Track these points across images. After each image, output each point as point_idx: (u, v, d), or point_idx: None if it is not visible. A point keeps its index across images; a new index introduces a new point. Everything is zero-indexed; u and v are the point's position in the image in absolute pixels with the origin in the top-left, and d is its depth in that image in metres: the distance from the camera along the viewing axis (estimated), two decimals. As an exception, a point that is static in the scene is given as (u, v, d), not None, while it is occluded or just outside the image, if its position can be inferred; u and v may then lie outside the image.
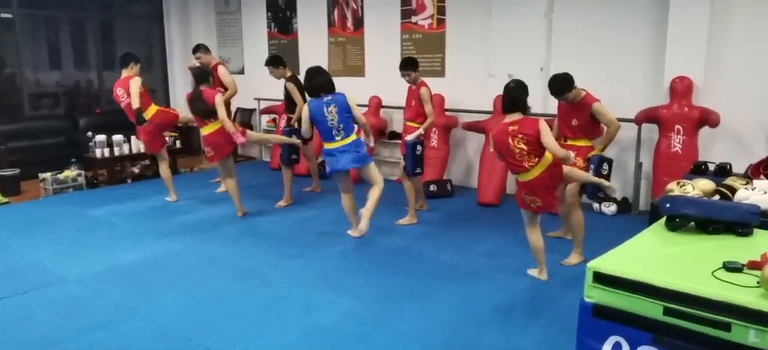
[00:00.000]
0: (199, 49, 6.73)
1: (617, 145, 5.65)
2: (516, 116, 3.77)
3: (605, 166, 4.33)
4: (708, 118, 5.09)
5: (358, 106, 5.13)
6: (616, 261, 2.17)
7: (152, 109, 6.13)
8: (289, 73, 6.36)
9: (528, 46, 6.47)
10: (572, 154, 3.96)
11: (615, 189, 4.37)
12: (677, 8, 5.29)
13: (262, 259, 4.68)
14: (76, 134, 8.33)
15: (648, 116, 5.39)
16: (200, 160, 8.83)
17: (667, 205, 2.50)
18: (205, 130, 5.51)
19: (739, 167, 3.98)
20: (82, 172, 7.15)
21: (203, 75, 5.60)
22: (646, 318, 2.00)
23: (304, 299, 3.90)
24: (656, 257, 2.25)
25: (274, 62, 6.33)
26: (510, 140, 3.75)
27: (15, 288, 4.09)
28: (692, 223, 2.50)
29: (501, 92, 6.44)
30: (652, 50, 5.68)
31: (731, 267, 2.03)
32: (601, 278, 2.09)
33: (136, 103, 5.88)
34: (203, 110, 5.44)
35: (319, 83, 4.92)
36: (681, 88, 5.22)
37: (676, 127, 5.20)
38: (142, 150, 7.21)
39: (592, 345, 2.12)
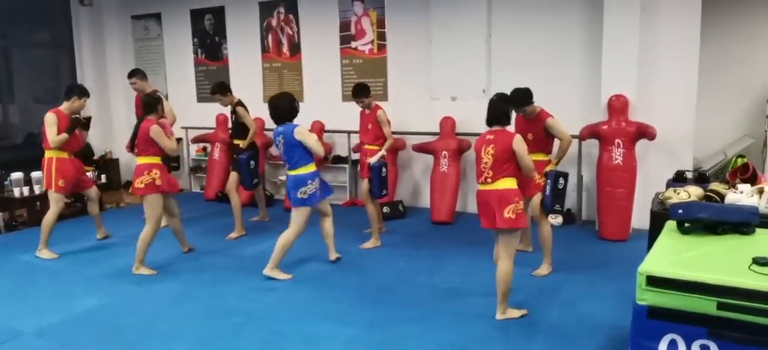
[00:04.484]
0: (135, 74, 6.27)
1: (560, 160, 6.02)
2: (496, 127, 3.85)
3: (561, 181, 4.62)
4: (646, 132, 5.57)
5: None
6: (660, 264, 2.34)
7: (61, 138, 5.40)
8: (236, 99, 6.15)
9: (470, 70, 6.76)
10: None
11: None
12: (610, 31, 5.77)
13: (236, 295, 4.46)
14: (-20, 173, 7.49)
15: (591, 132, 5.81)
16: (126, 195, 8.27)
17: (680, 211, 2.73)
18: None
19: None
20: (-1, 214, 6.47)
21: (150, 104, 5.02)
22: (700, 315, 2.18)
23: (299, 331, 3.77)
24: (689, 258, 2.44)
25: (222, 90, 6.09)
26: (483, 147, 3.83)
27: (-37, 350, 3.61)
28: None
29: (445, 114, 6.80)
30: (588, 70, 6.15)
31: (762, 262, 2.26)
32: (654, 281, 2.25)
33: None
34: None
35: (272, 111, 4.71)
36: (618, 106, 5.68)
37: (616, 141, 5.65)
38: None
39: (648, 345, 2.27)
